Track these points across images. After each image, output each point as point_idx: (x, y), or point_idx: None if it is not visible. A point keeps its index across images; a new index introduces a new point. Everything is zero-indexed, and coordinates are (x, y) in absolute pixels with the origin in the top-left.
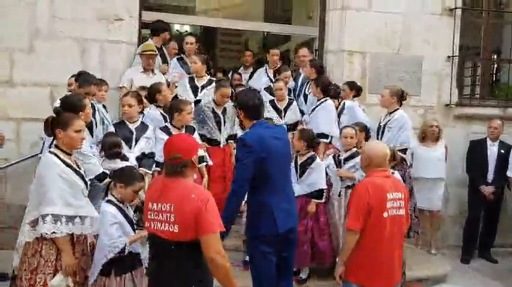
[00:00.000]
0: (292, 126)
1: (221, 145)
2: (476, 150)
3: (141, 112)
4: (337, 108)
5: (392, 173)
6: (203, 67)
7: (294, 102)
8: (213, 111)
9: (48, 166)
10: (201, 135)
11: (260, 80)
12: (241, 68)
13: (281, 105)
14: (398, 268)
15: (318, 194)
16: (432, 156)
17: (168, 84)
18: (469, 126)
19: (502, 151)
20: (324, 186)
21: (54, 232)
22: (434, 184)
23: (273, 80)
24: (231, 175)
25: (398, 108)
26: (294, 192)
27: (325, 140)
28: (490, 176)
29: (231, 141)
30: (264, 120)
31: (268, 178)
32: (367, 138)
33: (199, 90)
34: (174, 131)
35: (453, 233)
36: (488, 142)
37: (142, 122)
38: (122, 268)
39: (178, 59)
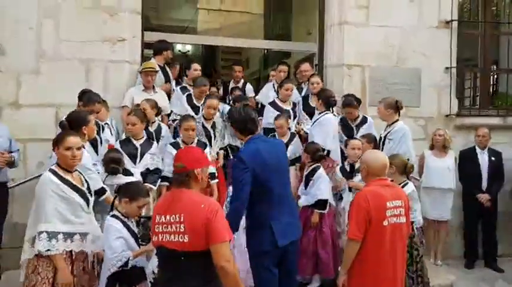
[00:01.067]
0: (294, 161)
1: (209, 159)
2: (467, 159)
3: (146, 128)
4: (355, 120)
5: (406, 183)
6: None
7: (296, 137)
8: (203, 127)
9: (43, 184)
10: None
11: (267, 94)
12: (231, 82)
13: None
14: (401, 276)
15: (321, 204)
16: (441, 166)
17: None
18: (470, 136)
19: (493, 159)
20: (326, 197)
21: (48, 249)
22: (443, 194)
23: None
24: (222, 187)
25: (397, 120)
26: (296, 204)
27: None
28: (484, 184)
29: (221, 151)
30: (261, 134)
31: (266, 191)
32: (375, 148)
33: (200, 110)
34: (183, 146)
35: (456, 242)
36: (478, 151)
37: (147, 139)
38: (127, 282)
39: (181, 88)
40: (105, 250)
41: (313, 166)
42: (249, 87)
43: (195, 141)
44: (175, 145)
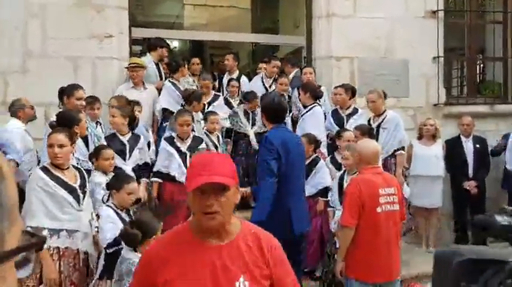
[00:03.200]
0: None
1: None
2: (453, 148)
3: (130, 125)
4: (346, 109)
5: None
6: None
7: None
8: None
9: (32, 180)
10: None
11: (257, 88)
12: (226, 74)
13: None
14: (397, 262)
15: (324, 192)
16: (429, 154)
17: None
18: (458, 124)
19: (478, 146)
20: (329, 184)
21: None
22: (432, 181)
23: (269, 89)
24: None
25: (385, 109)
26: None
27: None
28: (470, 171)
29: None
30: (283, 125)
31: (287, 178)
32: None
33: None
34: (178, 142)
35: (448, 229)
36: (463, 139)
37: (133, 133)
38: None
39: (171, 82)
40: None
41: (313, 156)
42: (244, 79)
43: (191, 136)
44: (169, 140)
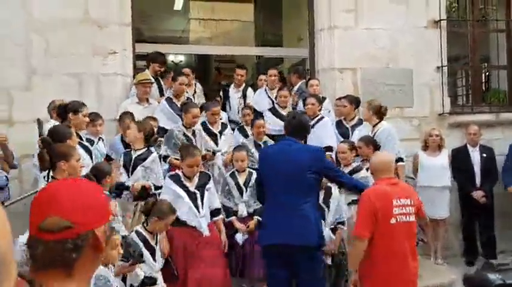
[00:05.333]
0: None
1: None
2: (460, 157)
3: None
4: (350, 120)
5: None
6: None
7: None
8: (184, 135)
9: None
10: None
11: (262, 101)
12: (232, 87)
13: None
14: (414, 275)
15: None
16: (436, 164)
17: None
18: (464, 134)
19: (485, 155)
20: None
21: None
22: (439, 192)
23: (275, 101)
24: None
25: (379, 122)
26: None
27: (330, 153)
28: (478, 181)
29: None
30: (289, 138)
31: (268, 192)
32: (375, 150)
33: (218, 137)
34: (184, 181)
35: (456, 240)
36: (469, 148)
37: (147, 150)
38: None
39: (167, 98)
40: None
41: (354, 164)
42: (250, 91)
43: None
44: (174, 178)
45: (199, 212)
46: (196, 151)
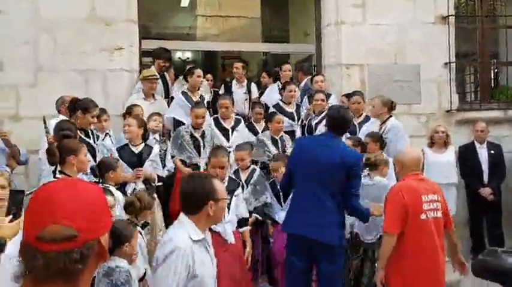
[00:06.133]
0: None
1: (201, 169)
2: (467, 154)
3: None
4: (358, 117)
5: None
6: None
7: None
8: (192, 136)
9: None
10: (182, 161)
11: (273, 96)
12: (234, 82)
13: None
14: (442, 271)
15: None
16: (441, 161)
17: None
18: (471, 130)
19: (492, 152)
20: None
21: None
22: (446, 189)
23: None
24: None
25: (388, 117)
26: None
27: None
28: (485, 178)
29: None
30: (328, 133)
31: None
32: (382, 147)
33: (230, 132)
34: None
35: (464, 237)
36: (477, 145)
37: (146, 144)
38: None
39: (183, 92)
40: None
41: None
42: (254, 86)
43: (227, 179)
44: None
45: (224, 217)
46: (221, 151)
